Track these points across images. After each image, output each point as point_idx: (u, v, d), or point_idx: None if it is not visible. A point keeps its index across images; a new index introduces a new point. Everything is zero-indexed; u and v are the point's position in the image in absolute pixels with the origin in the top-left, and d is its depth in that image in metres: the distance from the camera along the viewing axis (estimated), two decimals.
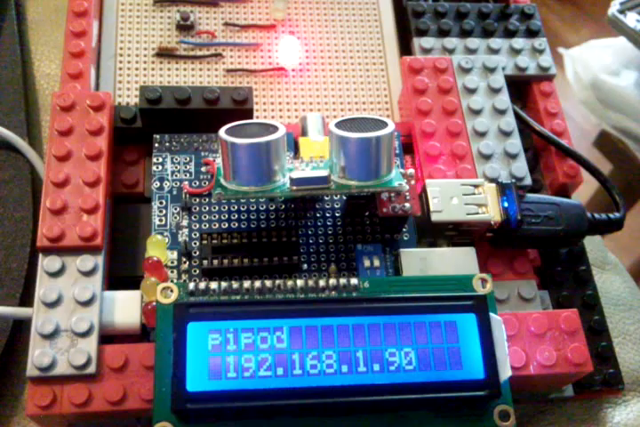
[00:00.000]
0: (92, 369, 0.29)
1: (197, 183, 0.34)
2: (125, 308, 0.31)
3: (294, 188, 0.30)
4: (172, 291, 0.28)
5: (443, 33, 0.42)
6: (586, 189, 0.63)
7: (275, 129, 0.30)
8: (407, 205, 0.33)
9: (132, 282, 0.32)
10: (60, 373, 0.29)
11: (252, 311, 0.28)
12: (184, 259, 0.32)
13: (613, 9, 0.67)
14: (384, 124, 0.30)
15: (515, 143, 0.37)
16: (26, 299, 0.34)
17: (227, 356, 0.27)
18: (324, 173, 0.30)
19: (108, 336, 0.31)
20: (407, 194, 0.33)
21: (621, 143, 0.70)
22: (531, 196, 0.36)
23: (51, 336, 0.29)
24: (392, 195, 0.33)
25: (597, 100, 0.70)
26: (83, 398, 0.28)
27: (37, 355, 0.29)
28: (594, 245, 0.43)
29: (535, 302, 0.35)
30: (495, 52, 0.42)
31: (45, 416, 0.29)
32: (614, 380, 0.35)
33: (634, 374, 0.38)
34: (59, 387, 0.29)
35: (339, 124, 0.30)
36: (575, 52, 0.74)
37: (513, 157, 0.37)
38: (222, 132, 0.30)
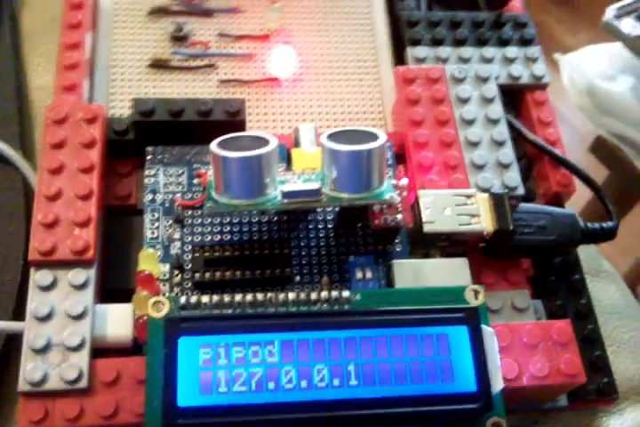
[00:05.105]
0: (83, 383, 0.29)
1: (190, 195, 0.34)
2: (117, 321, 0.31)
3: (285, 201, 0.30)
4: (163, 305, 0.28)
5: (436, 42, 0.42)
6: (581, 197, 0.62)
7: (266, 142, 0.30)
8: (399, 216, 0.33)
9: (125, 294, 0.32)
10: (51, 387, 0.29)
11: (243, 325, 0.28)
12: (176, 272, 0.33)
13: (609, 15, 0.66)
14: (375, 137, 0.30)
15: (507, 153, 0.37)
16: (19, 313, 0.34)
17: (218, 370, 0.27)
18: (315, 185, 0.30)
19: (100, 350, 0.31)
20: (399, 206, 0.33)
21: (618, 149, 0.70)
22: (524, 205, 0.36)
23: (42, 351, 0.29)
24: (384, 206, 0.33)
25: (593, 105, 0.70)
26: (75, 413, 0.28)
27: (29, 369, 0.29)
28: (588, 253, 0.43)
29: (528, 311, 0.35)
30: (489, 61, 0.42)
31: None
32: (608, 389, 0.35)
33: (628, 383, 0.38)
34: (50, 402, 0.29)
35: (330, 137, 0.30)
36: (571, 57, 0.74)
37: (506, 166, 0.37)
38: (213, 145, 0.30)
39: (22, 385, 0.28)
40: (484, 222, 0.34)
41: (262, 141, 0.30)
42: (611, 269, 0.44)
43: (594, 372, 0.35)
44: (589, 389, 0.35)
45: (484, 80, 0.40)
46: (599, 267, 0.43)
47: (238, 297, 0.29)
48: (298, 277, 0.33)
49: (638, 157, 0.71)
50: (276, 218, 0.34)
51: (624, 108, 0.69)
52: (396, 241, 0.35)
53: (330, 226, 0.35)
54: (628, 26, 0.66)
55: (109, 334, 0.30)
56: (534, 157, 0.41)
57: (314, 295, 0.29)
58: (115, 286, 0.33)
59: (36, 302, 0.30)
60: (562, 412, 0.36)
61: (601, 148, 0.72)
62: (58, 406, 0.28)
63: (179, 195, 0.34)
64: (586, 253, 0.42)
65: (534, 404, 0.35)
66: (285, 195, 0.30)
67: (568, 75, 0.74)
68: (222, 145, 0.30)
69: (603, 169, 0.73)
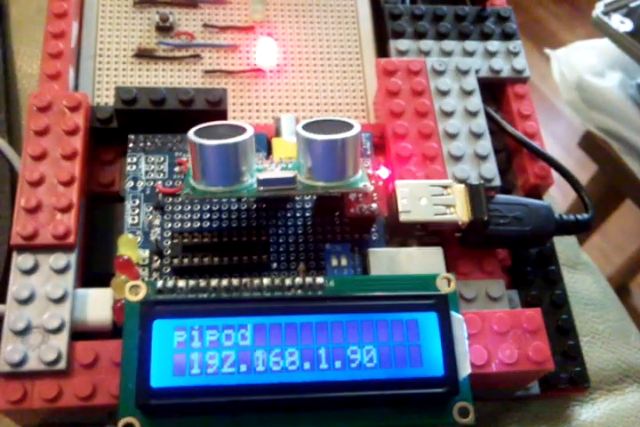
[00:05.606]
0: (62, 365, 0.29)
1: (171, 183, 0.35)
2: (97, 305, 0.31)
3: (261, 188, 0.31)
4: (140, 289, 0.29)
5: (419, 35, 0.43)
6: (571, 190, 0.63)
7: (242, 131, 0.30)
8: (374, 205, 0.33)
9: (107, 279, 0.33)
10: (30, 368, 0.29)
11: (217, 309, 0.29)
12: (156, 257, 0.33)
13: (598, 10, 0.67)
14: (350, 127, 0.31)
15: (485, 145, 0.38)
16: (2, 296, 0.35)
17: (191, 353, 0.28)
18: (290, 173, 0.31)
19: (81, 333, 0.31)
20: (374, 194, 0.33)
21: (606, 144, 0.70)
22: (500, 197, 0.36)
23: (22, 333, 0.30)
24: (360, 195, 0.33)
25: (582, 100, 0.71)
26: (53, 394, 0.29)
27: (8, 351, 0.29)
28: (567, 244, 0.44)
29: (502, 301, 0.35)
30: (470, 54, 0.43)
31: (17, 411, 0.29)
32: (580, 378, 0.36)
33: (602, 373, 0.39)
34: (29, 382, 0.29)
35: (306, 126, 0.31)
36: (561, 52, 0.75)
37: (483, 158, 0.38)
38: (191, 133, 0.30)
39: (1, 366, 0.29)
40: (460, 212, 0.34)
41: (239, 130, 0.31)
42: (589, 261, 0.45)
43: (566, 361, 0.36)
44: (562, 377, 0.36)
45: (464, 73, 0.40)
46: (577, 259, 0.44)
47: (214, 282, 0.30)
48: (275, 264, 0.34)
49: (626, 153, 0.71)
50: (254, 206, 0.35)
51: (612, 103, 0.70)
52: (373, 230, 0.35)
53: (307, 214, 0.35)
54: (616, 22, 0.67)
55: (89, 317, 0.31)
56: (514, 150, 0.42)
57: (288, 281, 0.30)
58: (97, 271, 0.34)
59: (17, 285, 0.31)
60: (534, 400, 0.37)
61: (589, 143, 0.73)
62: (36, 386, 0.29)
63: (160, 182, 0.35)
64: (564, 244, 0.43)
65: (506, 391, 0.36)
66: (261, 183, 0.31)
67: (558, 70, 0.74)
68: (200, 133, 0.30)
69: (591, 164, 0.74)
